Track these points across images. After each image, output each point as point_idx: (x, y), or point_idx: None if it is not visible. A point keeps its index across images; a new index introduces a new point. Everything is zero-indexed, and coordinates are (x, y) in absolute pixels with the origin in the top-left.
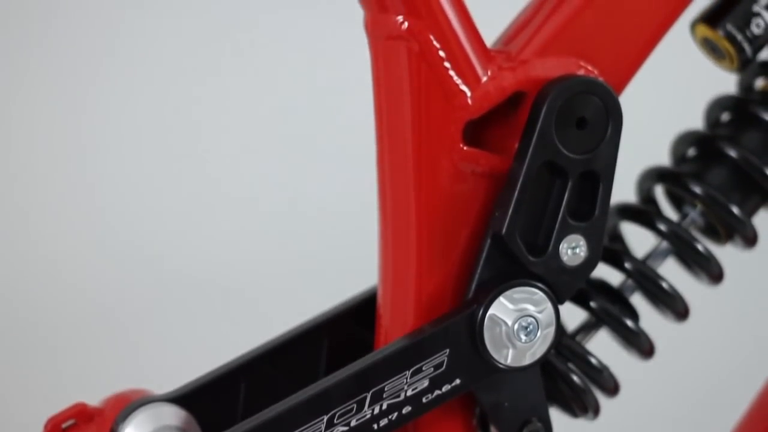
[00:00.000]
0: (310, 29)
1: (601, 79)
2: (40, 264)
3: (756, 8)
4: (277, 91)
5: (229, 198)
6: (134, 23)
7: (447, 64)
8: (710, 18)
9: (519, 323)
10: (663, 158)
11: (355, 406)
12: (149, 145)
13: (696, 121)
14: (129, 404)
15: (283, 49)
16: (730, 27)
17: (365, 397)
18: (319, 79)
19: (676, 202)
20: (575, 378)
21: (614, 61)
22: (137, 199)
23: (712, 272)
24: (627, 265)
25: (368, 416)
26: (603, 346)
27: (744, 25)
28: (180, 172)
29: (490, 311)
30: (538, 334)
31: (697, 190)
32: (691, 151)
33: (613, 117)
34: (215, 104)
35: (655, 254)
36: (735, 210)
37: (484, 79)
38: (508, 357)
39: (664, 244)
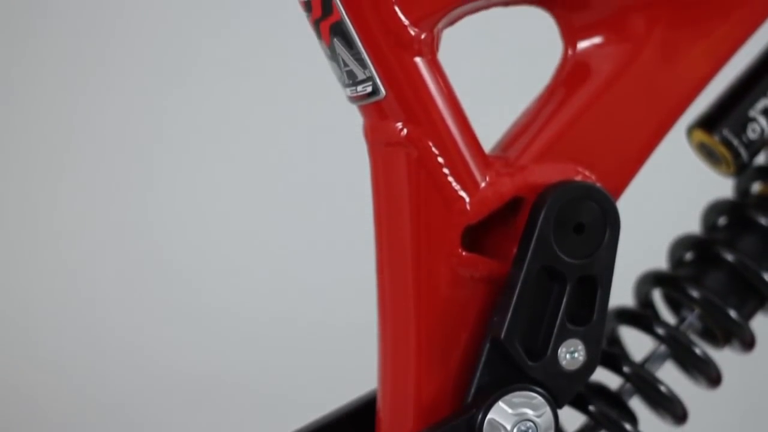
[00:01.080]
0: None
1: (598, 184)
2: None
3: (752, 113)
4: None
5: (228, 302)
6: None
7: (446, 170)
8: (706, 123)
9: (518, 428)
10: (661, 262)
11: None
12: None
13: (693, 225)
14: None
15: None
16: (726, 132)
17: None
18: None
19: (674, 305)
20: None
21: (612, 167)
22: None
23: (711, 376)
24: (625, 369)
25: None
26: None
27: (740, 130)
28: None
29: (489, 415)
30: None
31: (695, 294)
32: (689, 255)
33: (611, 222)
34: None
35: (654, 358)
36: (732, 314)
37: (483, 184)
38: None
39: (663, 347)
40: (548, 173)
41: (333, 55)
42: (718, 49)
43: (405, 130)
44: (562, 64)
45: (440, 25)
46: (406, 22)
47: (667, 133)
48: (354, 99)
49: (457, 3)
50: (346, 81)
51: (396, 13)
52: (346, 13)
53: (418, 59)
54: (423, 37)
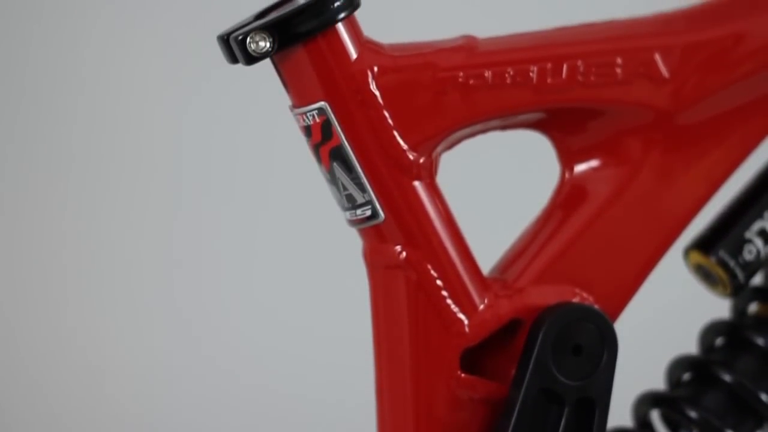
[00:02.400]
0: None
1: (596, 306)
2: None
3: (748, 235)
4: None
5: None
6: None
7: (444, 293)
8: (703, 245)
9: None
10: (658, 382)
11: None
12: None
13: (690, 346)
14: None
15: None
16: (722, 254)
17: None
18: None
19: (672, 426)
20: None
21: (609, 289)
22: None
23: None
24: None
25: None
26: None
27: (736, 251)
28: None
29: None
30: None
31: (693, 414)
32: (687, 376)
33: (609, 344)
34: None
35: None
36: None
37: (481, 307)
38: None
39: None
40: (546, 295)
41: (332, 179)
42: (715, 172)
43: (404, 254)
44: (559, 187)
45: (439, 149)
46: (404, 146)
47: (664, 254)
48: (353, 222)
49: (455, 127)
50: (346, 204)
51: (395, 138)
52: (346, 138)
53: (416, 183)
54: (422, 161)
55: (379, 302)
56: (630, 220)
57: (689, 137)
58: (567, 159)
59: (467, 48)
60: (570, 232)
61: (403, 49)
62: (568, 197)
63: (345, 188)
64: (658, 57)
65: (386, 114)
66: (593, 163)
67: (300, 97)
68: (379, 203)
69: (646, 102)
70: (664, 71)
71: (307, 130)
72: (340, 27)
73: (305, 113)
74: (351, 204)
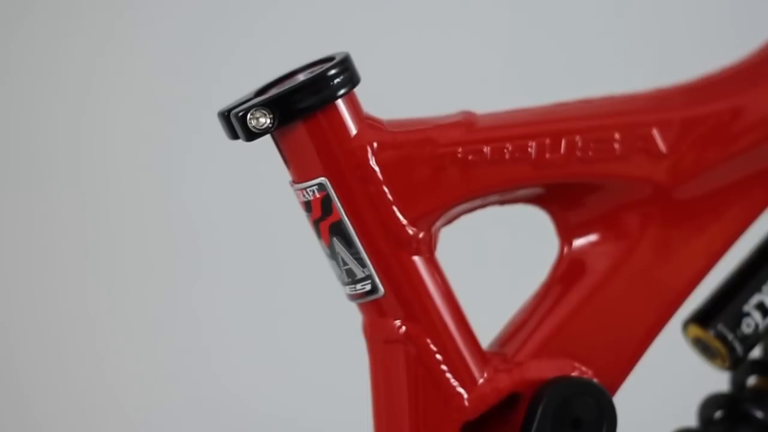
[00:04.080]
0: None
1: (595, 380)
2: None
3: (746, 308)
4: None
5: None
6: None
7: (444, 367)
8: (701, 318)
9: None
10: None
11: None
12: None
13: (689, 419)
14: None
15: None
16: (720, 327)
17: None
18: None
19: None
20: None
21: (608, 362)
22: None
23: None
24: None
25: None
26: None
27: (735, 324)
28: None
29: None
30: None
31: None
32: None
33: (608, 417)
34: None
35: None
36: None
37: (481, 381)
38: None
39: None
40: (545, 369)
41: (332, 254)
42: (714, 245)
43: (403, 328)
44: (557, 261)
45: (438, 224)
46: (404, 221)
47: (663, 328)
48: (353, 297)
49: (454, 202)
50: (346, 279)
51: (394, 213)
52: (346, 214)
53: (416, 258)
54: (421, 236)
55: (379, 376)
56: (628, 294)
57: (688, 211)
58: (565, 233)
59: (466, 124)
60: (568, 307)
61: (402, 125)
62: (567, 272)
63: (345, 263)
64: (656, 132)
65: (386, 190)
66: (591, 237)
67: (300, 173)
68: (379, 278)
69: (645, 177)
70: (662, 146)
71: (307, 206)
72: (340, 103)
73: (305, 189)
74: (351, 279)
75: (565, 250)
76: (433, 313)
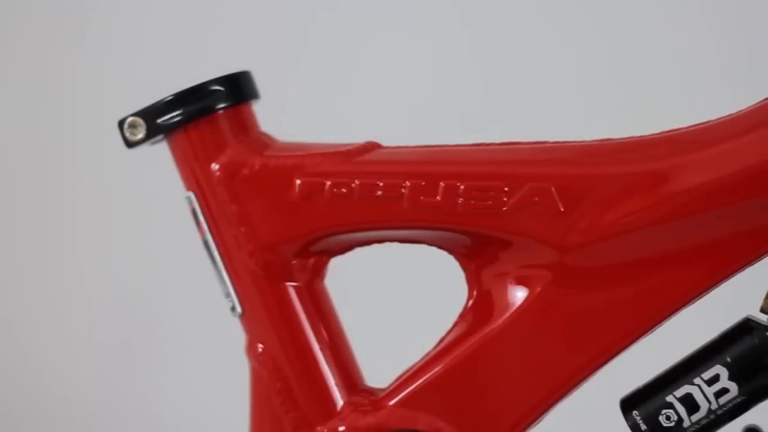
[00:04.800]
0: None
1: None
2: None
3: (669, 399)
4: None
5: None
6: None
7: (296, 397)
8: (624, 403)
9: None
10: None
11: None
12: None
13: None
14: None
15: None
16: (636, 415)
17: None
18: None
19: None
20: None
21: (480, 427)
22: None
23: None
24: None
25: None
26: None
27: (653, 416)
28: None
29: None
30: None
31: None
32: None
33: None
34: None
35: None
36: None
37: (337, 418)
38: None
39: None
40: (400, 420)
41: (215, 269)
42: (625, 323)
43: (260, 350)
44: (461, 311)
45: (314, 251)
46: (265, 246)
47: (560, 399)
48: (232, 312)
49: (320, 233)
50: (223, 293)
51: (253, 236)
52: (208, 230)
53: (279, 283)
54: (294, 262)
55: (250, 392)
56: (508, 360)
57: (592, 279)
58: (470, 283)
59: (345, 155)
60: (447, 362)
61: (284, 149)
62: (460, 324)
63: (218, 277)
64: (554, 189)
65: (246, 212)
66: (489, 294)
67: (183, 183)
68: (237, 297)
69: (537, 235)
70: (560, 205)
71: (196, 221)
72: (215, 120)
73: (186, 199)
74: (224, 293)
75: (469, 302)
76: (288, 340)
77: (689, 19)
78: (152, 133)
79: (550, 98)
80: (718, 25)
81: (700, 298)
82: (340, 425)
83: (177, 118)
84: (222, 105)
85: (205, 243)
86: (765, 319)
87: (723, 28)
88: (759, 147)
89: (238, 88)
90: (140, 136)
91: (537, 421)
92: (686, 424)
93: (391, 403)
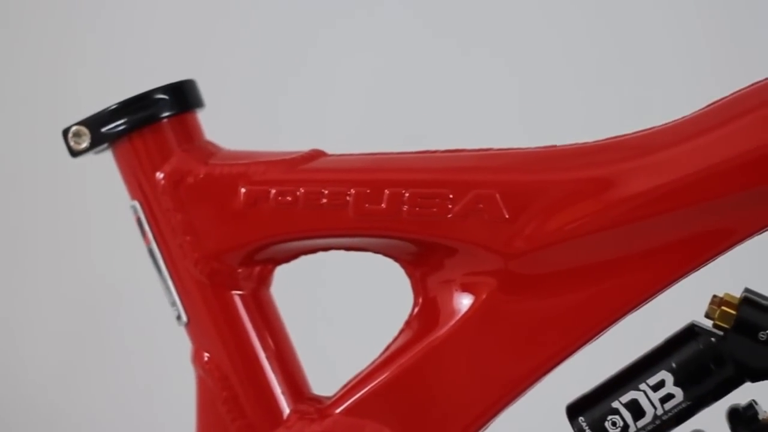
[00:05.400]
0: None
1: None
2: None
3: (615, 405)
4: None
5: None
6: None
7: (240, 406)
8: (570, 409)
9: None
10: None
11: None
12: None
13: None
14: None
15: None
16: (582, 421)
17: None
18: None
19: None
20: None
21: None
22: None
23: None
24: None
25: None
26: None
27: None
28: None
29: None
30: None
31: None
32: None
33: None
34: None
35: None
36: None
37: (282, 426)
38: None
39: None
40: (346, 428)
41: (161, 278)
42: (569, 329)
43: (205, 358)
44: (407, 319)
45: (259, 259)
46: (210, 254)
47: (507, 406)
48: (177, 321)
49: (265, 241)
50: (168, 302)
51: (198, 244)
52: (153, 239)
53: (225, 291)
54: (239, 271)
55: (196, 400)
56: (452, 369)
57: (537, 285)
58: (416, 290)
59: (290, 163)
60: (392, 370)
61: (228, 157)
62: (405, 332)
63: (164, 286)
64: (499, 196)
65: (190, 220)
66: (434, 301)
67: (128, 192)
68: (183, 306)
69: (481, 242)
70: (505, 211)
71: (141, 231)
72: (159, 128)
73: (131, 208)
74: (171, 303)
75: (415, 309)
76: (233, 349)
77: (688, 20)
78: (96, 142)
79: (541, 98)
80: (717, 26)
81: (646, 303)
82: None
83: (121, 127)
84: (166, 114)
85: (151, 252)
86: (709, 325)
87: (721, 29)
88: (701, 153)
89: (182, 97)
90: (85, 145)
91: (484, 428)
92: (632, 429)
93: (338, 411)
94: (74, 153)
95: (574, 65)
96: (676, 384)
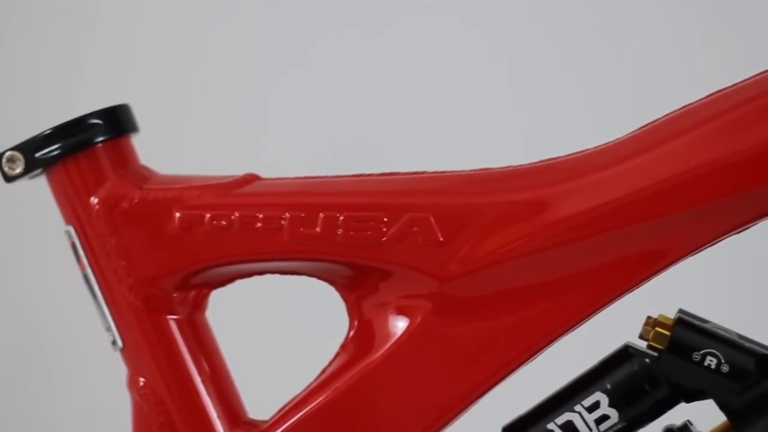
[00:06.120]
0: None
1: None
2: None
3: (550, 426)
4: None
5: None
6: None
7: (180, 427)
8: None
9: None
10: None
11: None
12: None
13: None
14: None
15: None
16: None
17: None
18: None
19: None
20: None
21: None
22: None
23: None
24: None
25: None
26: None
27: None
28: None
29: None
30: None
31: None
32: None
33: None
34: None
35: None
36: None
37: None
38: None
39: None
40: None
41: (96, 303)
42: (506, 351)
43: (141, 383)
44: (344, 340)
45: (195, 283)
46: (144, 279)
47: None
48: (113, 347)
49: (200, 266)
50: (104, 327)
51: (133, 269)
52: (88, 264)
53: (160, 316)
54: (175, 295)
55: (132, 425)
56: (386, 394)
57: (472, 308)
58: (351, 314)
59: (225, 187)
60: (326, 395)
61: (163, 182)
62: (340, 356)
63: (99, 312)
64: (433, 219)
65: (124, 245)
66: (368, 325)
67: (63, 217)
68: (118, 331)
69: (416, 266)
70: (439, 234)
71: (76, 256)
72: (93, 153)
73: (65, 233)
74: (105, 327)
75: (350, 332)
76: (169, 373)
77: (688, 19)
78: (30, 167)
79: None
80: (718, 25)
81: (581, 325)
82: None
83: (55, 152)
84: (100, 138)
85: (85, 277)
86: (644, 346)
87: (721, 28)
88: (634, 174)
89: (116, 122)
90: (19, 170)
91: None
92: None
93: None
94: (8, 178)
95: (574, 65)
96: (611, 405)
